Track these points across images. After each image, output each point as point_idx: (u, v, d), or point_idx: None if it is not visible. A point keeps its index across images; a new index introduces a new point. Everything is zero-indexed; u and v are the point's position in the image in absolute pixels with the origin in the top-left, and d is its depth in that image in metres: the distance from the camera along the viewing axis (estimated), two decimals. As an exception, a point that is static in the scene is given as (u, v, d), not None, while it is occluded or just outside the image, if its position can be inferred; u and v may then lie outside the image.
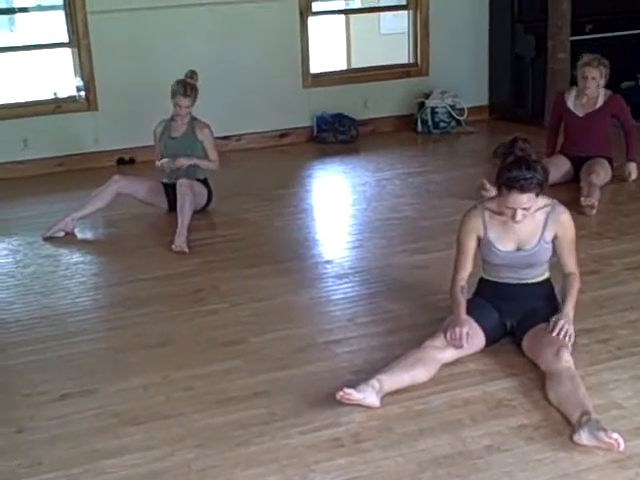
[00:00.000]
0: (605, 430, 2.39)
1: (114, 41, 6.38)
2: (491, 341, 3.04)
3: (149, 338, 3.38)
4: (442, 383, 2.86)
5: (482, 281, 3.15)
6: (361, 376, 2.87)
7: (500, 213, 2.96)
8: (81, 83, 6.46)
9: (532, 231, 2.97)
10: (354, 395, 2.67)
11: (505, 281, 3.06)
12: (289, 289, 3.82)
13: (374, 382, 2.73)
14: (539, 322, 2.96)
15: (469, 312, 2.98)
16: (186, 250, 4.36)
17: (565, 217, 3.00)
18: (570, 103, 5.25)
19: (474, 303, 3.06)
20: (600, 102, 5.22)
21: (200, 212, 4.91)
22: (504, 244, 2.98)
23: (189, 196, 4.66)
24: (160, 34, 6.48)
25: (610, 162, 5.17)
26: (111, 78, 6.42)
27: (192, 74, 5.05)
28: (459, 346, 2.88)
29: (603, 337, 3.14)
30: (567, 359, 2.74)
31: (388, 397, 2.74)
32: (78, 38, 6.30)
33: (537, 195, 2.87)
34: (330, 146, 6.83)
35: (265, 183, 5.75)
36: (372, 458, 2.46)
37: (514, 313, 3.03)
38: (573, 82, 5.65)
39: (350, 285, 3.86)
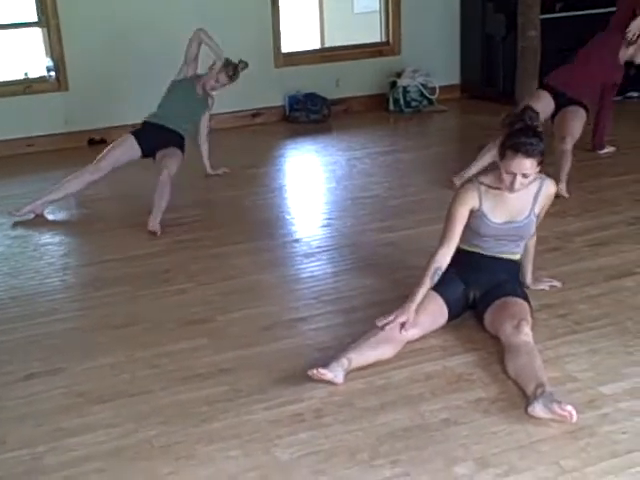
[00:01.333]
0: (559, 402, 2.45)
1: (84, 21, 6.35)
2: (454, 315, 3.08)
3: (117, 318, 3.40)
4: (404, 358, 2.92)
5: (457, 251, 3.11)
6: (327, 353, 2.92)
7: (495, 187, 3.00)
8: (51, 63, 6.43)
9: (524, 204, 3.03)
10: (327, 375, 2.70)
11: (482, 252, 3.08)
12: (257, 268, 3.86)
13: (344, 361, 2.77)
14: (502, 296, 3.01)
15: (435, 286, 3.00)
16: (158, 231, 4.38)
17: (552, 190, 3.10)
18: None
19: (441, 277, 3.07)
20: None
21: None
22: (497, 216, 3.01)
23: (168, 186, 4.62)
24: (131, 14, 6.46)
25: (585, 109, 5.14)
26: (81, 58, 6.40)
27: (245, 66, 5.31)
28: (380, 330, 2.88)
29: (562, 312, 3.21)
30: (526, 332, 2.79)
31: (351, 373, 2.79)
32: (47, 18, 6.26)
33: (538, 164, 2.92)
34: (302, 125, 6.85)
35: (236, 163, 5.76)
36: (333, 432, 2.51)
37: (480, 285, 3.07)
38: (543, 60, 5.71)
39: (318, 263, 3.90)
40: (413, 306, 2.91)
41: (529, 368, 2.61)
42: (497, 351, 2.89)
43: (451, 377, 2.79)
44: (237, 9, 6.70)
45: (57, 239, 4.45)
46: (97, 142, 6.55)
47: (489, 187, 3.01)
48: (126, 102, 6.35)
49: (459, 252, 3.08)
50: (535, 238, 3.24)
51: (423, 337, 3.03)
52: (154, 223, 4.40)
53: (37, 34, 6.64)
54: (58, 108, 6.45)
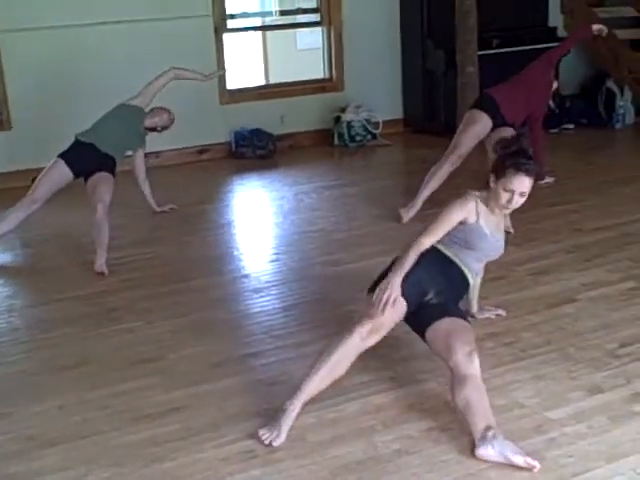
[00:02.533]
0: (519, 453, 2.44)
1: (27, 60, 6.32)
2: (410, 312, 2.92)
3: (65, 359, 3.36)
4: (355, 390, 2.95)
5: (431, 250, 3.01)
6: (277, 388, 2.94)
7: (487, 204, 3.05)
8: (-7, 103, 6.37)
9: (500, 223, 3.14)
10: (265, 438, 2.64)
11: (458, 263, 3.02)
12: (206, 305, 3.86)
13: (292, 414, 2.68)
14: (452, 314, 2.90)
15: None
16: (106, 271, 4.34)
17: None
18: None
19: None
20: None
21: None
22: (488, 231, 3.07)
23: (105, 220, 4.55)
24: (72, 51, 6.45)
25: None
26: (24, 97, 6.35)
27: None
28: (379, 311, 2.81)
29: (507, 340, 3.29)
30: (477, 365, 2.71)
31: (303, 407, 2.80)
32: (-12, 57, 6.21)
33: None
34: (249, 161, 6.89)
35: (184, 199, 5.76)
36: (285, 468, 2.52)
37: (441, 291, 2.94)
38: (481, 94, 5.86)
39: (267, 298, 3.92)
40: (399, 280, 2.83)
41: (479, 405, 2.58)
42: (445, 381, 2.93)
43: (402, 408, 2.83)
44: (180, 46, 6.73)
45: (1, 280, 4.38)
46: (41, 181, 6.49)
47: (482, 203, 3.06)
48: (70, 139, 6.30)
49: (436, 251, 3.01)
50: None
51: (372, 368, 3.08)
52: (100, 263, 4.36)
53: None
54: (1, 147, 6.38)
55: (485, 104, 5.21)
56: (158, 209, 5.39)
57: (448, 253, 3.02)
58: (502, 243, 3.14)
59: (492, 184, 3.00)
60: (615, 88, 7.46)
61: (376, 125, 7.28)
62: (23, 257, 4.86)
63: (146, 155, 6.58)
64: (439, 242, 3.01)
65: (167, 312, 3.79)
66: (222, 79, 6.97)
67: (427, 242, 2.95)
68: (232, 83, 7.20)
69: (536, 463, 2.41)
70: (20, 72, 6.31)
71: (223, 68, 5.31)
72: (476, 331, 3.03)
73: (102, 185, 4.70)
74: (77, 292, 4.12)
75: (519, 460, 2.42)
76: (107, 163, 4.82)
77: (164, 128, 5.20)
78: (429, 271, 2.94)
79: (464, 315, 3.01)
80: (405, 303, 2.85)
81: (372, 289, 2.91)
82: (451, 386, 2.70)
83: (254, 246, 4.83)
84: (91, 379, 3.17)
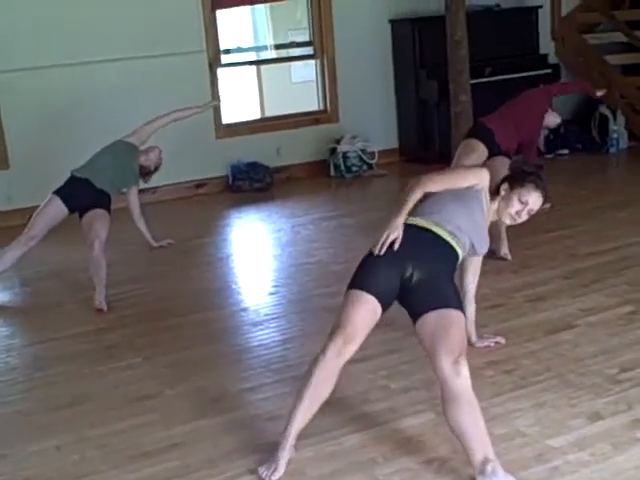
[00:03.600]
0: None
1: (24, 99, 6.38)
2: (388, 304, 2.75)
3: (62, 398, 3.34)
4: (354, 423, 2.93)
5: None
6: (276, 423, 2.90)
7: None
8: (-10, 142, 6.41)
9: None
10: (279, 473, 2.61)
11: (438, 232, 2.85)
12: (204, 339, 3.85)
13: (284, 453, 2.63)
14: (441, 304, 2.67)
15: (361, 280, 2.75)
16: (105, 308, 4.34)
17: None
18: None
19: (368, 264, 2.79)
20: None
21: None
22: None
23: (102, 256, 4.55)
24: (72, 91, 6.51)
25: None
26: (21, 135, 6.39)
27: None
28: (377, 250, 2.73)
29: (507, 368, 3.27)
30: (465, 374, 2.53)
31: (300, 440, 2.77)
32: (-16, 97, 6.26)
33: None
34: (246, 194, 6.92)
35: (181, 234, 5.76)
36: (285, 503, 2.50)
37: (422, 265, 2.73)
38: (475, 123, 5.89)
39: (266, 332, 3.91)
40: (400, 220, 2.77)
41: (474, 431, 2.50)
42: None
43: (401, 440, 2.80)
44: (175, 81, 6.79)
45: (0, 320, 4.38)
46: (39, 219, 6.51)
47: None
48: (65, 178, 6.33)
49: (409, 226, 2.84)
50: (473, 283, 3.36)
51: (369, 400, 3.07)
52: (100, 300, 4.36)
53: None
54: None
55: (480, 133, 5.23)
56: (155, 244, 5.39)
57: (423, 223, 2.86)
58: (487, 240, 3.09)
59: (504, 191, 3.01)
60: (608, 113, 7.51)
61: (372, 155, 7.32)
62: (21, 295, 4.86)
63: (143, 191, 6.61)
64: (415, 214, 2.89)
65: (165, 347, 3.78)
66: (217, 113, 7.02)
67: (430, 187, 2.89)
68: (228, 117, 7.26)
69: None
70: (17, 111, 6.36)
71: (218, 99, 5.34)
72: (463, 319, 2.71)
73: (98, 222, 4.70)
74: (75, 330, 4.11)
75: None
76: (102, 199, 4.83)
77: (156, 167, 5.20)
78: (401, 246, 2.74)
79: (454, 300, 2.72)
80: (377, 303, 2.69)
81: (350, 285, 2.78)
82: (442, 402, 2.55)
83: (252, 279, 4.82)
84: (89, 418, 3.15)
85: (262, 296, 4.43)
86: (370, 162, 7.30)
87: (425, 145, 7.42)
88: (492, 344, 3.49)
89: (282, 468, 2.61)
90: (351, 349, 2.68)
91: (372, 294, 2.70)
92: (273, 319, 4.06)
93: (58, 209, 4.76)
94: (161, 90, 6.72)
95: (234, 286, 4.71)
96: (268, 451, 2.71)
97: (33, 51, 6.36)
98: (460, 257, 2.94)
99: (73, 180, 4.88)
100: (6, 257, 4.68)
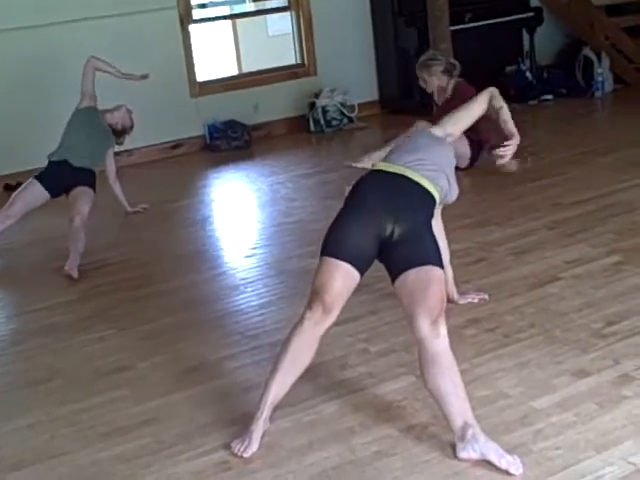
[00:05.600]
0: (503, 456, 2.30)
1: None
2: (364, 268, 2.59)
3: (34, 373, 3.23)
4: (332, 390, 2.83)
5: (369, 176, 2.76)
6: (253, 392, 2.79)
7: None
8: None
9: None
10: (237, 450, 2.52)
11: (410, 176, 2.68)
12: (179, 307, 3.73)
13: (260, 422, 2.53)
14: (420, 261, 2.51)
15: (333, 248, 2.58)
16: (75, 275, 4.22)
17: None
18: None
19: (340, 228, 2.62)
20: (449, 92, 5.41)
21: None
22: None
23: (82, 231, 4.48)
24: (40, 52, 6.29)
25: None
26: (-11, 101, 6.20)
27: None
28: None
29: (490, 326, 3.17)
30: (444, 334, 2.42)
31: (279, 411, 2.67)
32: (-52, 64, 6.05)
33: None
34: (225, 153, 6.76)
35: (157, 197, 5.63)
36: (261, 478, 2.41)
37: (403, 218, 2.56)
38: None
39: (243, 297, 3.80)
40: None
41: (452, 395, 2.39)
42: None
43: (381, 406, 2.71)
44: (148, 42, 6.58)
45: (-30, 295, 4.25)
46: (14, 187, 6.32)
47: None
48: (39, 143, 6.07)
49: (380, 172, 2.73)
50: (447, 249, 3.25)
51: (349, 365, 2.97)
52: (71, 266, 4.24)
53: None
54: (-32, 155, 6.23)
55: None
56: (130, 210, 5.25)
57: (398, 170, 2.69)
58: (456, 188, 2.98)
59: None
60: (592, 56, 7.32)
61: (352, 108, 7.15)
62: (-6, 267, 4.72)
63: (118, 154, 6.45)
64: (388, 160, 2.77)
65: (139, 317, 3.66)
66: (191, 70, 6.81)
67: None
68: (203, 75, 7.05)
69: (519, 469, 2.27)
70: (-18, 77, 6.15)
71: (145, 76, 5.13)
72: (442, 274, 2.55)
73: (81, 198, 4.64)
74: (48, 302, 3.99)
75: (503, 464, 2.28)
76: (84, 176, 4.75)
77: (125, 128, 5.03)
78: (375, 203, 2.60)
79: (434, 256, 2.55)
80: (354, 270, 2.54)
81: (323, 251, 2.61)
82: (420, 364, 2.44)
83: (229, 242, 4.71)
84: (61, 394, 3.04)
85: (240, 259, 4.31)
86: (350, 115, 7.12)
87: (405, 95, 7.23)
88: (475, 300, 3.39)
89: (256, 442, 2.51)
90: (330, 318, 2.57)
91: (346, 261, 2.56)
92: (250, 283, 3.94)
93: (38, 194, 4.69)
94: (131, 50, 6.49)
95: (211, 250, 4.57)
96: (244, 423, 2.61)
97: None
98: (437, 201, 2.78)
99: (51, 165, 4.80)
100: None
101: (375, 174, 2.77)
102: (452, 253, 3.78)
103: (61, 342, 3.52)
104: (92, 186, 4.77)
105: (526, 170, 5.28)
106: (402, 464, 2.39)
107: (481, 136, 4.95)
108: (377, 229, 2.57)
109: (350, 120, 7.13)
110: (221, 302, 3.78)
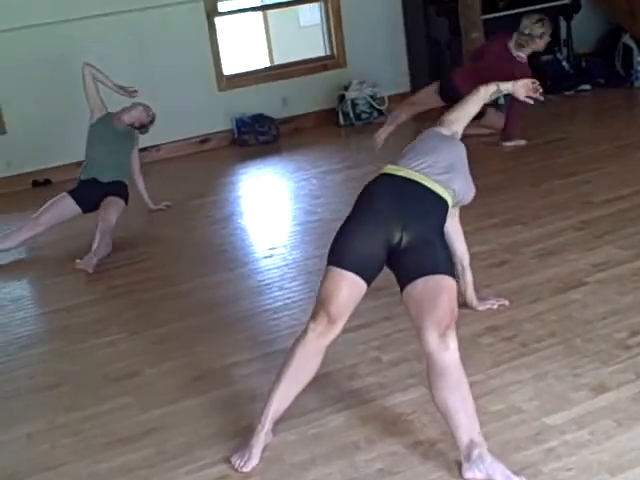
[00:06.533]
0: (507, 475, 2.18)
1: (16, 60, 6.16)
2: (371, 278, 2.49)
3: (41, 379, 3.20)
4: (340, 401, 2.73)
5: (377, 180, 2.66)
6: (260, 402, 2.72)
7: None
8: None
9: None
10: (236, 464, 2.43)
11: (422, 181, 2.58)
12: (193, 310, 3.66)
13: (260, 436, 2.45)
14: (429, 270, 2.40)
15: (338, 257, 2.48)
16: (90, 270, 4.20)
17: None
18: None
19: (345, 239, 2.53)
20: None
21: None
22: None
23: (108, 235, 4.51)
24: (66, 49, 6.26)
25: None
26: (16, 100, 6.21)
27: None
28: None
29: (508, 334, 3.03)
30: (453, 348, 2.30)
31: (284, 423, 2.59)
32: (-23, 61, 6.07)
33: None
34: (252, 148, 6.68)
35: (182, 194, 5.59)
36: (259, 495, 2.33)
37: (412, 225, 2.45)
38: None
39: (259, 300, 3.71)
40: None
41: (460, 410, 2.28)
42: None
43: (389, 419, 2.60)
44: (174, 36, 6.53)
45: (-12, 294, 4.24)
46: (41, 184, 6.37)
47: None
48: (67, 140, 6.13)
49: (389, 176, 2.63)
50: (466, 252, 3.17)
51: (358, 375, 2.87)
52: (87, 263, 4.23)
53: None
54: (-2, 152, 6.26)
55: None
56: (154, 207, 5.21)
57: (409, 174, 2.58)
58: (473, 188, 2.91)
59: None
60: (632, 44, 7.06)
61: (382, 101, 7.00)
62: (7, 266, 4.67)
63: (146, 149, 6.45)
64: (398, 164, 2.65)
65: (152, 321, 3.61)
66: (218, 64, 6.74)
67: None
68: (232, 67, 6.97)
69: None
70: (10, 73, 6.16)
71: (136, 90, 5.07)
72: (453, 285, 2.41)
73: (110, 207, 4.68)
74: (63, 303, 3.98)
75: None
76: (114, 188, 4.79)
77: (143, 124, 4.99)
78: (383, 208, 2.50)
79: (444, 265, 2.44)
80: (360, 280, 2.44)
81: (329, 260, 2.51)
82: (428, 377, 2.33)
83: (250, 242, 4.63)
84: (65, 401, 3.00)
85: (258, 260, 4.24)
86: (380, 108, 6.98)
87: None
88: (494, 306, 3.25)
89: (256, 457, 2.43)
90: (335, 330, 2.47)
91: (352, 271, 2.45)
92: (267, 285, 3.86)
93: (69, 207, 4.75)
94: (155, 45, 6.48)
95: (230, 250, 4.48)
96: (246, 436, 2.52)
97: (24, 9, 6.13)
98: (450, 206, 2.67)
99: (81, 183, 4.85)
100: (13, 237, 4.67)
101: (385, 178, 2.67)
102: (475, 255, 3.67)
103: (72, 346, 3.48)
104: (123, 197, 4.80)
105: (558, 165, 5.10)
106: (405, 484, 2.29)
107: None
108: (385, 236, 2.46)
109: (380, 113, 6.99)
110: (236, 305, 3.69)
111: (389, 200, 2.55)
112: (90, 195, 4.73)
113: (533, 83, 3.05)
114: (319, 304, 2.48)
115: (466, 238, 3.92)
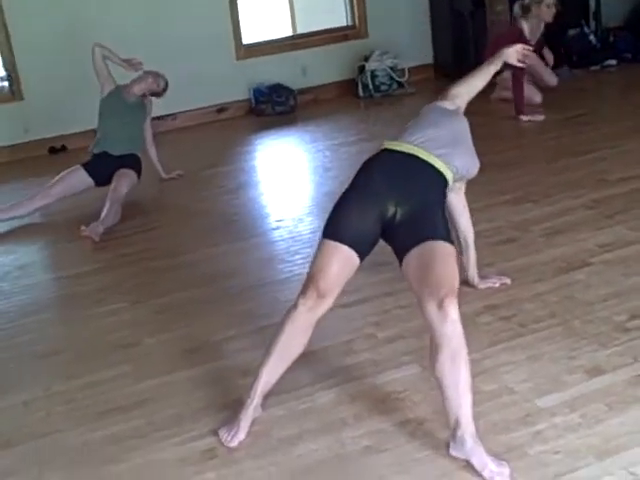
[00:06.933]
0: (486, 466, 2.14)
1: (35, 27, 6.16)
2: (366, 252, 2.48)
3: (40, 347, 3.22)
4: (332, 377, 2.72)
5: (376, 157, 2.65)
6: (250, 377, 2.69)
7: None
8: (3, 73, 6.25)
9: None
10: (223, 439, 2.44)
11: (418, 154, 2.56)
12: (197, 280, 3.66)
13: (250, 411, 2.45)
14: (427, 237, 2.37)
15: (332, 229, 2.48)
16: (96, 239, 4.23)
17: None
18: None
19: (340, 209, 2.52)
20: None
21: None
22: None
23: (117, 204, 4.53)
24: (80, 15, 6.25)
25: None
26: (34, 66, 6.21)
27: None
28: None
29: (507, 314, 2.99)
30: (453, 318, 2.20)
31: (274, 397, 2.59)
32: (-5, 27, 6.07)
33: None
34: (269, 118, 6.63)
35: (196, 163, 5.57)
36: (244, 469, 2.32)
37: (406, 198, 2.45)
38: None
39: (261, 273, 3.70)
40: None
41: (451, 388, 2.22)
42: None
43: (379, 397, 2.58)
44: (192, 4, 6.47)
45: (-2, 260, 4.28)
46: (58, 150, 6.38)
47: None
48: (84, 107, 6.10)
49: (389, 151, 2.61)
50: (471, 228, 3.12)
51: (354, 351, 2.85)
52: (92, 231, 4.24)
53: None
54: (15, 118, 6.27)
55: None
56: (165, 176, 5.21)
57: (408, 149, 2.56)
58: (477, 161, 2.87)
59: None
60: (662, 18, 6.88)
61: (402, 73, 6.90)
62: (16, 232, 4.69)
63: (162, 117, 6.44)
64: (398, 139, 2.63)
65: (156, 290, 3.61)
66: (237, 32, 6.68)
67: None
68: (251, 36, 6.90)
69: (505, 479, 2.12)
70: (29, 41, 6.15)
71: (141, 63, 4.98)
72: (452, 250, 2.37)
73: (121, 178, 4.71)
74: (69, 270, 4.00)
75: (486, 474, 2.13)
76: (127, 161, 4.81)
77: (155, 93, 4.99)
78: (379, 184, 2.48)
79: (440, 231, 2.40)
80: (353, 252, 2.42)
81: (324, 233, 2.49)
82: (429, 347, 2.27)
83: (258, 213, 4.60)
84: (63, 369, 3.02)
85: (265, 232, 4.21)
86: (400, 80, 6.88)
87: (460, 59, 6.93)
88: (496, 284, 3.21)
89: (243, 431, 2.43)
90: (325, 305, 2.44)
91: (346, 244, 2.43)
92: (271, 258, 3.85)
93: (82, 180, 4.78)
94: (178, 11, 6.43)
95: (238, 221, 4.46)
96: (235, 409, 2.52)
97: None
98: (450, 182, 2.64)
99: (94, 157, 4.87)
100: (25, 204, 4.70)
101: (384, 154, 2.65)
102: (482, 232, 3.64)
103: (75, 314, 3.50)
104: (135, 169, 4.81)
105: (576, 142, 5.00)
106: (391, 461, 2.27)
107: None
108: (379, 211, 2.45)
109: (400, 85, 6.89)
110: (238, 277, 3.68)
111: (386, 176, 2.53)
112: (103, 168, 4.76)
113: (523, 48, 3.06)
114: (309, 278, 2.45)
115: (475, 215, 3.87)
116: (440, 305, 2.22)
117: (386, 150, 2.65)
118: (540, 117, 5.55)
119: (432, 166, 2.57)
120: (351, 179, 2.61)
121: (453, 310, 2.21)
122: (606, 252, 3.38)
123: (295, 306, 2.45)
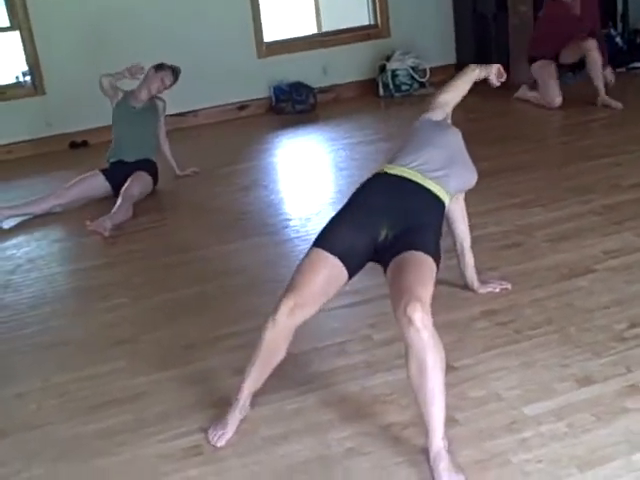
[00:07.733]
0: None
1: (56, 23, 6.24)
2: (356, 267, 2.48)
3: (40, 340, 3.26)
4: (323, 378, 2.72)
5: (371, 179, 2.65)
6: (239, 377, 2.68)
7: None
8: (26, 68, 6.33)
9: None
10: (211, 439, 2.45)
11: (413, 178, 2.57)
12: (202, 278, 3.68)
13: (236, 414, 2.47)
14: (408, 247, 2.36)
15: (322, 240, 2.47)
16: (106, 234, 4.26)
17: None
18: None
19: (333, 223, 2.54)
20: None
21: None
22: None
23: (128, 203, 4.58)
24: (103, 11, 6.31)
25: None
26: (56, 61, 6.30)
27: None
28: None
29: (504, 319, 2.95)
30: (419, 326, 2.12)
31: (264, 396, 2.59)
32: (18, 21, 6.14)
33: None
34: (289, 116, 6.64)
35: (213, 161, 5.60)
36: (227, 467, 2.33)
37: (398, 220, 2.45)
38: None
39: (266, 271, 3.70)
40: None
41: (421, 399, 2.19)
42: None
43: (367, 399, 2.57)
44: (213, 1, 6.50)
45: (5, 253, 4.32)
46: (79, 145, 6.46)
47: None
48: (105, 103, 6.17)
49: (385, 175, 2.61)
50: (468, 234, 3.08)
51: (347, 352, 2.85)
52: (99, 226, 4.27)
53: (9, 39, 6.47)
54: (36, 113, 6.35)
55: None
56: (180, 173, 5.25)
57: (405, 173, 2.55)
58: (474, 170, 2.86)
59: None
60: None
61: (423, 73, 6.87)
62: (30, 227, 4.73)
63: (183, 114, 6.48)
64: (394, 162, 2.62)
65: (160, 287, 3.64)
66: (258, 30, 6.70)
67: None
68: (274, 34, 6.92)
69: None
70: (51, 36, 6.23)
71: (142, 68, 4.98)
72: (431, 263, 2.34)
73: (135, 180, 4.77)
74: (79, 264, 4.05)
75: None
76: (142, 166, 4.89)
77: (165, 87, 5.02)
78: (374, 205, 2.48)
79: (423, 244, 2.37)
80: (342, 266, 2.40)
81: (315, 242, 2.48)
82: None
83: (269, 212, 4.59)
84: (60, 362, 3.05)
85: (274, 231, 4.22)
86: (421, 80, 6.85)
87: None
88: (496, 290, 3.18)
89: (231, 431, 2.44)
90: (303, 314, 2.39)
91: (336, 255, 2.41)
92: (276, 257, 3.85)
93: (99, 186, 4.88)
94: (200, 9, 6.47)
95: (248, 219, 4.47)
96: (224, 407, 2.54)
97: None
98: (447, 203, 2.65)
99: (111, 166, 4.97)
100: (39, 203, 4.77)
101: (381, 177, 2.64)
102: (487, 236, 3.64)
103: (78, 308, 3.55)
104: (150, 172, 4.89)
105: (592, 145, 4.94)
106: (371, 465, 2.26)
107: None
108: (371, 234, 2.46)
109: (421, 85, 6.86)
110: (243, 275, 3.69)
111: (381, 198, 2.54)
112: (119, 176, 4.82)
113: (499, 69, 3.06)
114: (291, 286, 2.40)
115: (483, 217, 3.88)
116: (404, 311, 2.15)
117: (382, 173, 2.64)
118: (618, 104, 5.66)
119: (428, 190, 2.57)
120: (347, 200, 2.62)
121: (417, 317, 2.13)
122: (611, 258, 3.32)
123: (274, 313, 2.39)
